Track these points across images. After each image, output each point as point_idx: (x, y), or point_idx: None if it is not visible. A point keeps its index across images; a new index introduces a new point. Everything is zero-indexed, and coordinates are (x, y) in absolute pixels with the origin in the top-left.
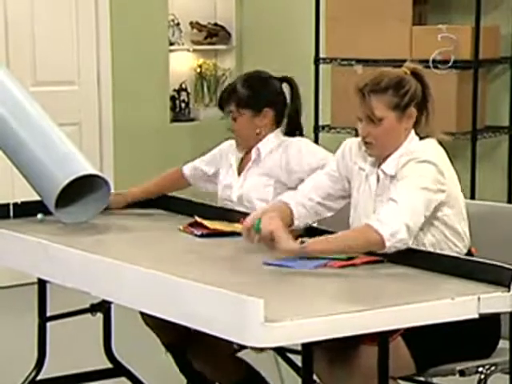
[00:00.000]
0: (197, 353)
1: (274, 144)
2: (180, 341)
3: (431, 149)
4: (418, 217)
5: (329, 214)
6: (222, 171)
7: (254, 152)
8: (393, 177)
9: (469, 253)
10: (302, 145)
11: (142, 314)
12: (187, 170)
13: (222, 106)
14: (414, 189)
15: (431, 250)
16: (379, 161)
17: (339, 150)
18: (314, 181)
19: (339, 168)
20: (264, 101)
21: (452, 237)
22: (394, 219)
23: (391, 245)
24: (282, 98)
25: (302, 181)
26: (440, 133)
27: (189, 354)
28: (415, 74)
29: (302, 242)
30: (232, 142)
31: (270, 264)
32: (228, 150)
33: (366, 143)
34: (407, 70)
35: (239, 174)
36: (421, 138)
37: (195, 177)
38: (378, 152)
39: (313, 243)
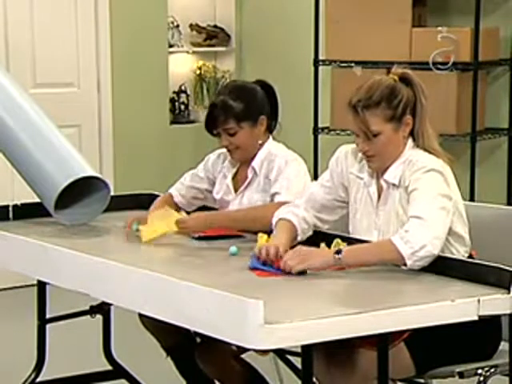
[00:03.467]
0: (204, 355)
1: (264, 155)
2: (180, 344)
3: (433, 156)
4: (445, 225)
5: (325, 227)
6: (216, 184)
7: (249, 172)
8: (395, 185)
9: (469, 256)
10: (284, 168)
11: (141, 318)
12: (178, 196)
13: (216, 126)
14: (432, 199)
15: None
16: (381, 171)
17: (333, 158)
18: (309, 193)
19: (333, 176)
20: (258, 109)
21: (455, 242)
22: (421, 236)
23: (412, 263)
24: (268, 102)
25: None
26: (436, 138)
27: (196, 357)
28: (404, 78)
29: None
30: (219, 152)
31: (256, 268)
32: (218, 161)
33: (366, 157)
34: (395, 77)
35: (236, 190)
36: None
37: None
38: (380, 164)
39: (347, 256)
